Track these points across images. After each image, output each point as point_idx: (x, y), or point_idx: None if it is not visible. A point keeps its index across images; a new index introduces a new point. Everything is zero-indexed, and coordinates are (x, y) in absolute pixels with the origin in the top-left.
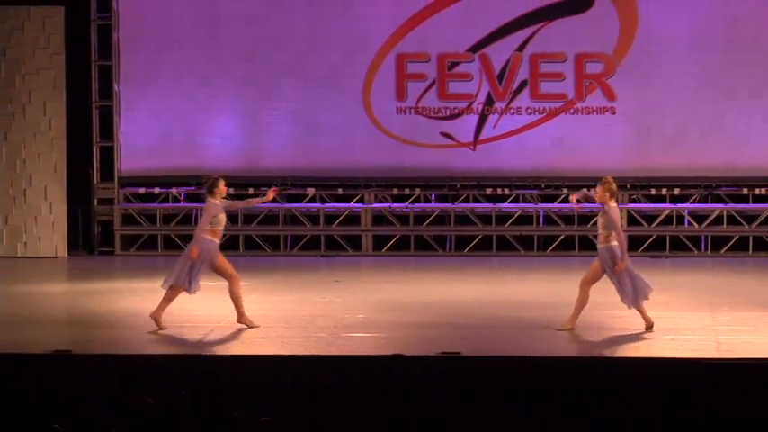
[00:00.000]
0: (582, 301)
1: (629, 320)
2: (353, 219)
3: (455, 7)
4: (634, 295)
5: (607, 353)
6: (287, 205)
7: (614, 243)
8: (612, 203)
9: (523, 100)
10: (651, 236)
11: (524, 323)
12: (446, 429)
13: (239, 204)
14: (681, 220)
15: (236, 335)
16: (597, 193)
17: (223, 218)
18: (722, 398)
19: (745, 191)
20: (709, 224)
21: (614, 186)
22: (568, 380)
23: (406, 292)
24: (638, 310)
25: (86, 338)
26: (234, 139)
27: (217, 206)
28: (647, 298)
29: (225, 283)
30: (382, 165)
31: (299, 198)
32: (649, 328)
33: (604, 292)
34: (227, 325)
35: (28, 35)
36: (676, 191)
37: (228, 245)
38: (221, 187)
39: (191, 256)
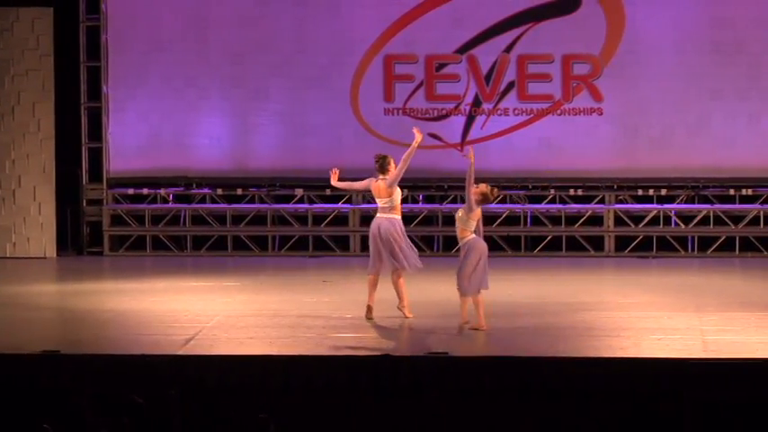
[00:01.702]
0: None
1: (616, 321)
2: (342, 219)
3: (443, 9)
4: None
5: (594, 353)
6: (275, 206)
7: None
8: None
9: (511, 101)
10: (638, 236)
11: (511, 323)
12: (434, 429)
13: (401, 170)
14: (668, 220)
15: (224, 335)
16: (480, 187)
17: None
18: (709, 398)
19: (731, 191)
20: (696, 224)
21: (492, 198)
22: (556, 380)
23: (393, 292)
24: (475, 302)
25: (75, 338)
26: (222, 140)
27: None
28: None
29: (212, 284)
30: (370, 165)
31: (287, 199)
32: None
33: (591, 293)
34: (215, 325)
35: (17, 36)
36: (663, 191)
37: (217, 245)
38: (393, 164)
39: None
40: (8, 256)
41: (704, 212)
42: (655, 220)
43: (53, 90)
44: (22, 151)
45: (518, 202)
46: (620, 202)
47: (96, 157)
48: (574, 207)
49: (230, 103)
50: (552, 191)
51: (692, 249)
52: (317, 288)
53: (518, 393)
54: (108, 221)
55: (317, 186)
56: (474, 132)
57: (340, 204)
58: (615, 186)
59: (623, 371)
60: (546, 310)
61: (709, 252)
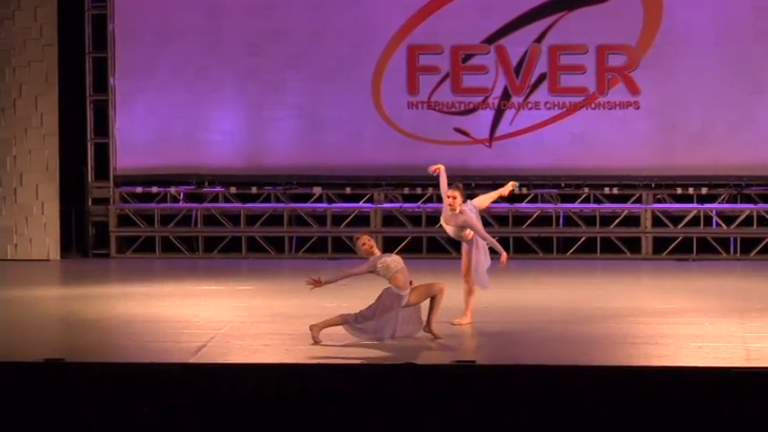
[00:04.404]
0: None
1: (653, 327)
2: (362, 219)
3: None
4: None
5: (630, 361)
6: (292, 205)
7: None
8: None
9: (542, 94)
10: (677, 237)
11: (542, 330)
12: None
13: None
14: (708, 220)
15: (238, 342)
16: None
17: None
18: (751, 409)
19: None
20: (739, 225)
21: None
22: (589, 390)
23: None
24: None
25: (80, 346)
26: (236, 135)
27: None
28: None
29: (224, 288)
30: (393, 162)
31: (304, 198)
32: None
33: (627, 297)
34: (228, 332)
35: (19, 25)
36: (703, 190)
37: (231, 247)
38: (461, 197)
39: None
40: (9, 258)
41: (747, 212)
42: (695, 221)
43: (57, 82)
44: (23, 147)
45: (550, 202)
46: (658, 201)
47: (102, 153)
48: (609, 207)
49: (244, 96)
50: (586, 189)
51: (735, 251)
52: (337, 292)
53: (549, 403)
54: (115, 222)
55: (336, 184)
56: (503, 127)
57: (361, 204)
58: (653, 185)
59: (661, 380)
60: (579, 316)
61: (752, 254)
